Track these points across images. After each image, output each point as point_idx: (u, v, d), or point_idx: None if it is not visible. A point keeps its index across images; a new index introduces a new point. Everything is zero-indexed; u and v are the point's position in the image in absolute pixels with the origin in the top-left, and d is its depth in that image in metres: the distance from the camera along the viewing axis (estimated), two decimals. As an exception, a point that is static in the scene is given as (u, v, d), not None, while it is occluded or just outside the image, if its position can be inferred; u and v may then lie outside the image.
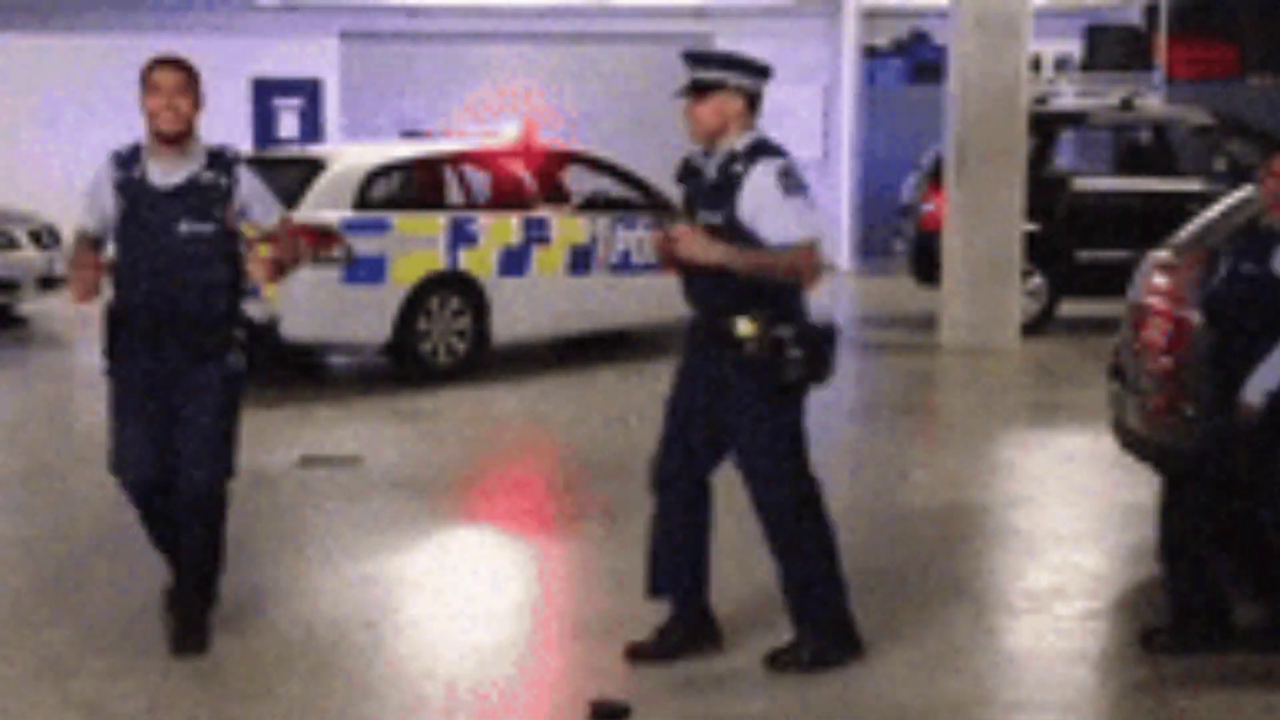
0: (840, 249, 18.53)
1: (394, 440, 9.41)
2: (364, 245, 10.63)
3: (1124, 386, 7.12)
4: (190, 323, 5.40)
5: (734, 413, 5.25)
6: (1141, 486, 7.58)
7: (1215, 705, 5.10)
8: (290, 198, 10.86)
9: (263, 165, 12.44)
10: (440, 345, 11.02)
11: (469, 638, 5.80)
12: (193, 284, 5.37)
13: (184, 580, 5.62)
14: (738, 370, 5.17)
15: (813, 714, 5.00)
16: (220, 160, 5.45)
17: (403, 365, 10.99)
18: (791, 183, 5.11)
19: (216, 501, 5.52)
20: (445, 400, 10.43)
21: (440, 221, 11.07)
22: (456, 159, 12.03)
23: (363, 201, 10.87)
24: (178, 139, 5.39)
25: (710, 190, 5.21)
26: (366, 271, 10.61)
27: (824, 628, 5.35)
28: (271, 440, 9.16)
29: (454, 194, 12.12)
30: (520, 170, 11.76)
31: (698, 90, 5.19)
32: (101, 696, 5.09)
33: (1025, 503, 7.81)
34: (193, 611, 5.56)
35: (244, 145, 17.70)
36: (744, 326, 5.12)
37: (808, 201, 5.16)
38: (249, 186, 5.49)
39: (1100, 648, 5.79)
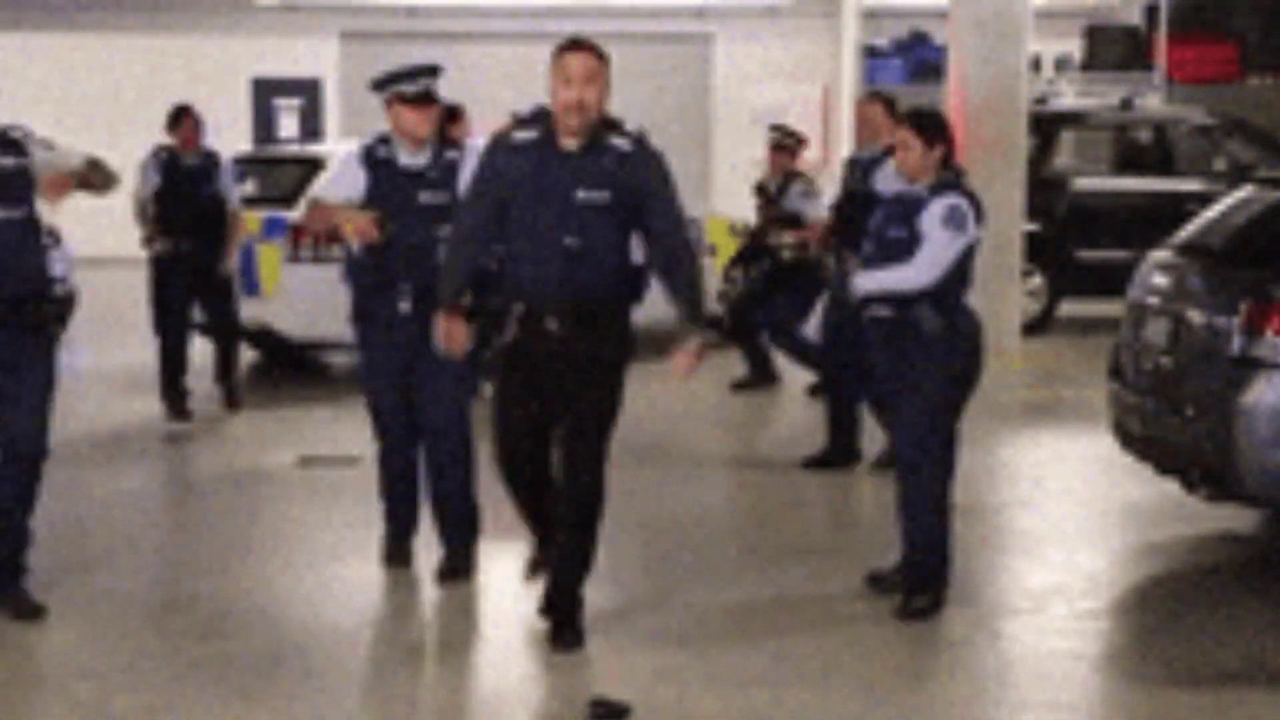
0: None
1: (394, 440, 9.38)
2: (364, 244, 10.60)
3: (1124, 386, 7.12)
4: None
5: None
6: (1141, 486, 7.58)
7: (1214, 705, 5.10)
8: (290, 196, 10.87)
9: (262, 164, 12.54)
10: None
11: (468, 637, 5.80)
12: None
13: None
14: None
15: (815, 714, 5.00)
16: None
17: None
18: None
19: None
20: (445, 400, 10.39)
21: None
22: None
23: (362, 200, 10.84)
24: None
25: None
26: (366, 271, 10.58)
27: None
28: (271, 440, 9.16)
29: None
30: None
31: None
32: (102, 697, 5.09)
33: (1025, 503, 7.81)
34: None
35: (244, 145, 17.68)
36: None
37: None
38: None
39: (1100, 648, 5.79)
